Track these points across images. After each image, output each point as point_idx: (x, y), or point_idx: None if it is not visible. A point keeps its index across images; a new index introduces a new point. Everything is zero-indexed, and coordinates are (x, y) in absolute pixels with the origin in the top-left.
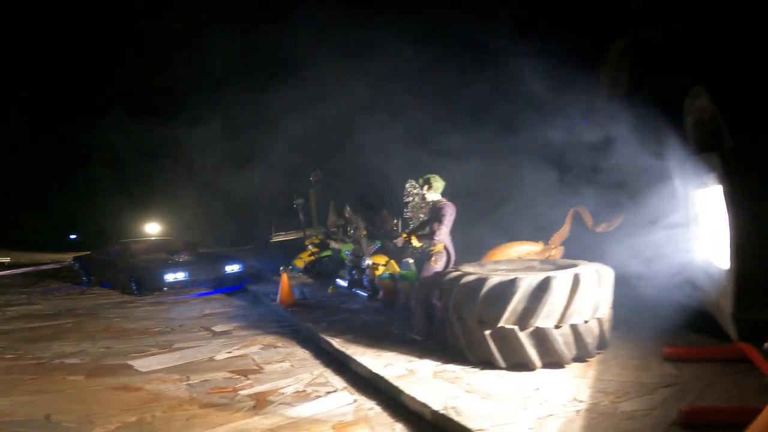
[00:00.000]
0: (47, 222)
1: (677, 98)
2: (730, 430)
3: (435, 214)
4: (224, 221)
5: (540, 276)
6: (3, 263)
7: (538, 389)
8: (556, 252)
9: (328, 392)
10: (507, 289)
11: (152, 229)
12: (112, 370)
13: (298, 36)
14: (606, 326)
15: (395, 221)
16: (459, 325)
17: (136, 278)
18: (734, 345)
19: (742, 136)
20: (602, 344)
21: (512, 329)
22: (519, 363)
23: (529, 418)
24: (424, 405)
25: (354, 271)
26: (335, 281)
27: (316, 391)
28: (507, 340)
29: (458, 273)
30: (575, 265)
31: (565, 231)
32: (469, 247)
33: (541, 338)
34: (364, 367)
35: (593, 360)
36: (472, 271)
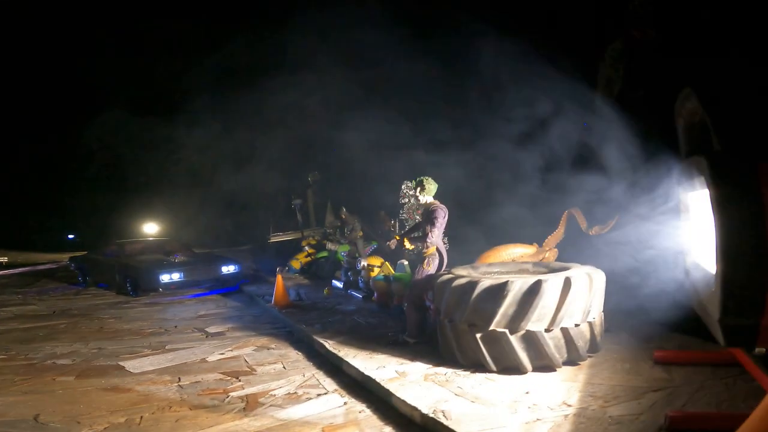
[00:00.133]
0: (46, 222)
1: (669, 100)
2: None
3: (427, 216)
4: (222, 221)
5: (531, 279)
6: (0, 263)
7: (528, 393)
8: (551, 254)
9: (319, 394)
10: (498, 292)
11: (150, 228)
12: (103, 371)
13: (297, 36)
14: (597, 329)
15: (392, 222)
16: (450, 328)
17: (131, 279)
18: (725, 349)
19: (729, 139)
20: (593, 347)
21: (503, 332)
22: (510, 366)
23: (517, 422)
24: (414, 408)
25: (350, 273)
26: (331, 282)
27: (308, 393)
28: (498, 344)
29: (450, 276)
30: (567, 268)
31: (559, 233)
32: (464, 249)
33: (531, 342)
34: (356, 369)
35: (584, 363)
36: (463, 273)
